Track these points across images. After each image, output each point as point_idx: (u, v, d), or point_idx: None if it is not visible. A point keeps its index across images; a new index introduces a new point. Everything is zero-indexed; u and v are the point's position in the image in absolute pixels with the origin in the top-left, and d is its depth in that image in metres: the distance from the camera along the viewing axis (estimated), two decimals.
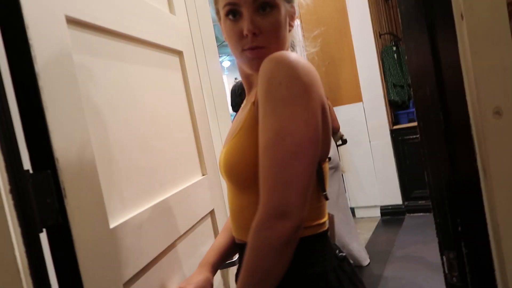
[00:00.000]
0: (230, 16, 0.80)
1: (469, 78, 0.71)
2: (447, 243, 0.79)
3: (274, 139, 0.67)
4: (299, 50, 0.97)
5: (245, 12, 0.77)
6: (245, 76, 0.92)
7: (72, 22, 0.78)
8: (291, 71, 0.68)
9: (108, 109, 0.87)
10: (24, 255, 0.56)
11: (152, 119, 1.06)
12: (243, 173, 0.78)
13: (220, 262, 1.01)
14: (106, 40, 0.90)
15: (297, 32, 0.91)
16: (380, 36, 4.38)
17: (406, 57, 0.81)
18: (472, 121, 0.71)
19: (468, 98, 0.71)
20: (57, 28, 0.72)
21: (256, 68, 0.78)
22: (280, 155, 0.66)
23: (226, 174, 0.83)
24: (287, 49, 0.85)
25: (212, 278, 0.98)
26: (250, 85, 0.92)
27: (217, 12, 0.87)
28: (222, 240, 1.03)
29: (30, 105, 0.66)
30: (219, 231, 1.27)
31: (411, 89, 0.81)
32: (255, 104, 0.77)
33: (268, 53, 0.76)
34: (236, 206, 0.87)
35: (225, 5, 0.80)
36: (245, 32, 0.77)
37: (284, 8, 0.81)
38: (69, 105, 0.72)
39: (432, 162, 0.78)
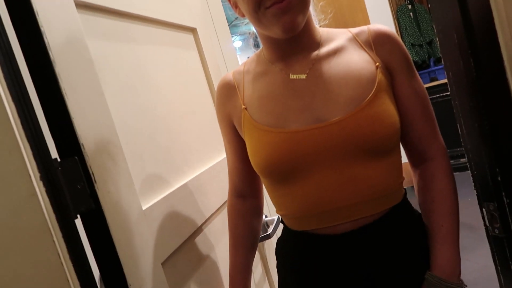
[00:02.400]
0: None
1: (501, 18, 0.66)
2: (486, 194, 0.76)
3: (426, 94, 0.83)
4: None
5: None
6: (272, 42, 0.82)
7: (81, 5, 0.76)
8: None
9: (128, 92, 0.87)
10: (62, 240, 0.56)
11: (173, 99, 1.05)
12: (397, 132, 0.77)
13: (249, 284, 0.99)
14: (118, 22, 0.89)
15: None
16: None
17: (429, 6, 0.76)
18: (506, 64, 0.67)
19: (501, 40, 0.67)
20: (67, 12, 0.71)
21: (288, 27, 0.72)
22: (431, 107, 0.84)
23: (378, 140, 0.74)
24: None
25: None
26: (283, 51, 0.82)
27: None
28: (242, 259, 0.98)
29: (50, 93, 0.65)
30: None
31: (437, 39, 0.77)
32: (381, 67, 0.78)
33: (297, 4, 0.71)
34: (370, 178, 0.76)
35: None
36: None
37: None
38: (88, 90, 0.72)
39: (465, 112, 0.75)
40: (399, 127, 0.78)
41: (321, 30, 0.85)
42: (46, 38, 0.64)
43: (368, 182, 0.76)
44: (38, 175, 0.55)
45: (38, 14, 0.63)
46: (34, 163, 0.55)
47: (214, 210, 1.13)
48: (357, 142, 0.73)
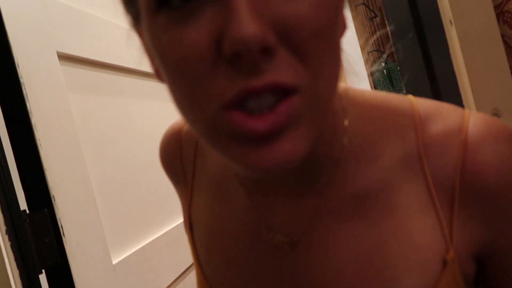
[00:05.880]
0: (176, 1, 0.24)
1: (464, 82, 0.71)
2: None
3: None
4: None
5: None
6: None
7: (64, 57, 0.77)
8: None
9: (107, 143, 0.86)
10: None
11: (154, 150, 1.05)
12: None
13: None
14: (102, 74, 0.90)
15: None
16: (368, 54, 4.44)
17: (398, 68, 0.81)
18: None
19: (465, 102, 0.71)
20: (49, 64, 0.72)
21: (273, 164, 0.25)
22: None
23: None
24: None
25: None
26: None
27: (135, 16, 0.31)
28: None
29: (24, 143, 0.65)
30: None
31: None
32: (462, 254, 0.34)
33: (305, 111, 0.26)
34: None
35: None
36: (237, 35, 0.21)
37: None
38: (64, 141, 0.71)
39: None
40: None
41: (354, 125, 0.36)
42: (25, 89, 0.64)
43: None
44: (4, 228, 0.53)
45: (18, 66, 0.63)
46: (1, 216, 0.53)
47: (191, 263, 1.09)
48: None
